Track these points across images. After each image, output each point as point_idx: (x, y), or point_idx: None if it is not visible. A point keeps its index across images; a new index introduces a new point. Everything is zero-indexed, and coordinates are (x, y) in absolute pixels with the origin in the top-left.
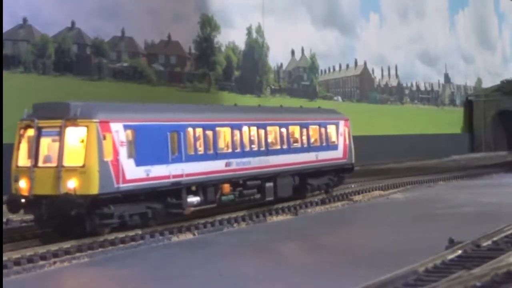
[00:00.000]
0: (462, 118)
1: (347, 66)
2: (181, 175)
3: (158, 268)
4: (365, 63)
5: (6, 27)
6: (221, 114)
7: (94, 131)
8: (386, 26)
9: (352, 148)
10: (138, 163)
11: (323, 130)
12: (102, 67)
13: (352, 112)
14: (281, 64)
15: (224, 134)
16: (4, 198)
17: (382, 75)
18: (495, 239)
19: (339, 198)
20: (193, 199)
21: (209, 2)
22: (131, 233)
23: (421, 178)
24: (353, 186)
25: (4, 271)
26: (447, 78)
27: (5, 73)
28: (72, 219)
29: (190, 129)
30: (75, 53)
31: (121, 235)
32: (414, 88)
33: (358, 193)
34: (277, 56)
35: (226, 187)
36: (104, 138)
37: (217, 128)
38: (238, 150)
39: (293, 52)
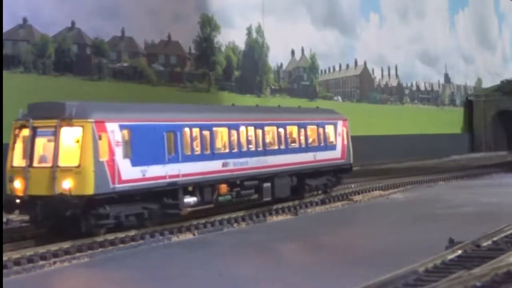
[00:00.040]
0: (462, 118)
1: (347, 66)
2: (178, 175)
3: (158, 268)
4: (365, 63)
5: (6, 27)
6: (218, 114)
7: (90, 131)
8: (386, 26)
9: (350, 148)
10: (134, 163)
11: (321, 130)
12: (102, 67)
13: (352, 112)
14: (281, 64)
15: (221, 134)
16: None
17: (382, 75)
18: (495, 239)
19: (339, 198)
20: (189, 200)
21: (209, 2)
22: (131, 233)
23: (421, 178)
24: (353, 186)
25: (4, 271)
26: (447, 78)
27: (5, 73)
28: (67, 220)
29: (186, 129)
30: (75, 53)
31: (121, 235)
32: (414, 88)
33: (358, 193)
34: (277, 56)
35: (223, 188)
36: (100, 138)
37: (214, 128)
38: (236, 150)
39: (293, 52)
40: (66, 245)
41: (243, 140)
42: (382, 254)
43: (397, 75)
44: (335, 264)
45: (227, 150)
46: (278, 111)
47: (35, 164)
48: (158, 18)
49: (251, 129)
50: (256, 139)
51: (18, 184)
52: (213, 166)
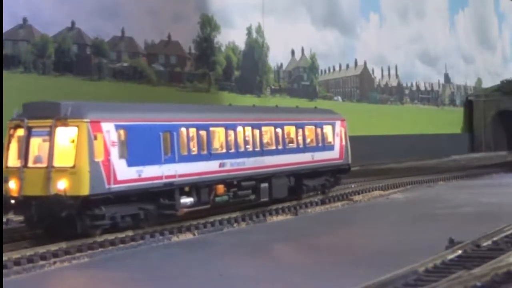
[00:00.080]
0: (462, 118)
1: (347, 66)
2: (174, 176)
3: (158, 268)
4: (365, 63)
5: (6, 27)
6: (215, 114)
7: (85, 131)
8: (386, 26)
9: (348, 149)
10: (130, 163)
11: (319, 130)
12: (102, 67)
13: (352, 112)
14: (281, 64)
15: (218, 134)
16: None
17: (382, 75)
18: (495, 239)
19: (339, 198)
20: (186, 200)
21: (209, 2)
22: (131, 233)
23: (421, 178)
24: (353, 186)
25: (4, 271)
26: (447, 78)
27: (5, 73)
28: (63, 220)
29: (183, 129)
30: (75, 53)
31: (121, 235)
32: (414, 88)
33: (358, 193)
34: (277, 56)
35: (220, 188)
36: (95, 138)
37: (211, 128)
38: (233, 150)
39: (293, 52)
40: (66, 245)
41: (240, 140)
42: (382, 254)
43: (397, 75)
44: (335, 264)
45: (224, 151)
46: (276, 111)
47: (30, 164)
48: (158, 18)
49: (248, 129)
50: (253, 139)
51: (12, 185)
52: (210, 166)
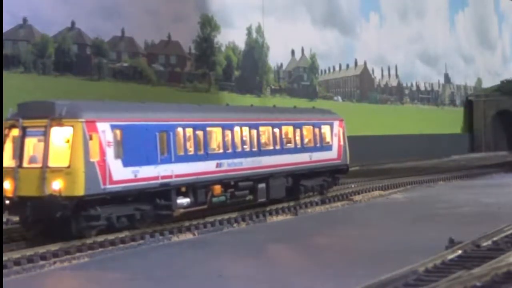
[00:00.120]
0: (462, 118)
1: (347, 66)
2: (171, 176)
3: (158, 268)
4: (365, 63)
5: (6, 27)
6: (212, 114)
7: (80, 131)
8: (386, 26)
9: (347, 149)
10: (126, 163)
11: (317, 130)
12: (102, 67)
13: (352, 112)
14: (281, 64)
15: (215, 134)
16: None
17: (382, 75)
18: (495, 239)
19: (339, 198)
20: (182, 201)
21: (209, 2)
22: (131, 233)
23: (421, 178)
24: (353, 186)
25: (4, 271)
26: (447, 78)
27: (5, 73)
28: (58, 221)
29: (180, 129)
30: (75, 53)
31: (121, 235)
32: (414, 88)
33: (358, 193)
34: (277, 56)
35: (217, 188)
36: (91, 138)
37: (208, 128)
38: (230, 150)
39: (293, 52)
40: (66, 245)
41: (237, 140)
42: (382, 254)
43: (397, 75)
44: (335, 264)
45: (221, 151)
46: (273, 111)
47: (25, 164)
48: (158, 18)
49: (245, 129)
50: (250, 139)
51: (7, 185)
52: (207, 166)
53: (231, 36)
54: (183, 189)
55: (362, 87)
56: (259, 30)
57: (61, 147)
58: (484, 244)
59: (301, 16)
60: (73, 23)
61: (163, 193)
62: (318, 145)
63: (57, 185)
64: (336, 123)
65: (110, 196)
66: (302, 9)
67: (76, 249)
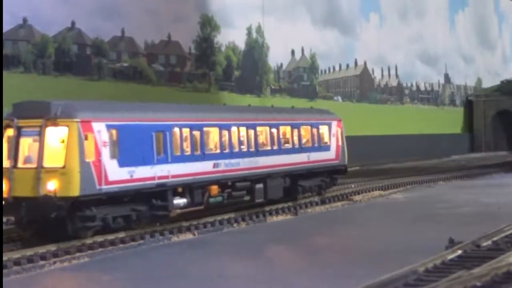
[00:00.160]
0: (462, 118)
1: (347, 66)
2: (167, 177)
3: (158, 268)
4: (365, 63)
5: (6, 27)
6: (209, 114)
7: (75, 131)
8: (386, 26)
9: (345, 149)
10: (122, 164)
11: (315, 130)
12: (102, 67)
13: (352, 112)
14: (281, 64)
15: (212, 134)
16: None
17: (382, 75)
18: (495, 239)
19: (339, 198)
20: (179, 201)
21: (209, 2)
22: (131, 233)
23: (421, 178)
24: (353, 186)
25: (4, 271)
26: (447, 78)
27: (5, 73)
28: (53, 222)
29: (176, 129)
30: (75, 53)
31: (121, 235)
32: (414, 88)
33: (358, 193)
34: (277, 56)
35: (214, 189)
36: (86, 138)
37: (205, 128)
38: (227, 150)
39: (293, 52)
40: (66, 245)
41: (234, 140)
42: (382, 254)
43: (397, 75)
44: (335, 264)
45: (218, 151)
46: (271, 111)
47: (20, 164)
48: (158, 18)
49: (243, 129)
50: (248, 140)
51: (2, 186)
52: (204, 167)
53: (231, 36)
54: (180, 189)
55: (362, 87)
56: (259, 30)
57: (56, 147)
58: (484, 244)
59: (301, 16)
60: (73, 23)
61: (160, 193)
62: (316, 145)
63: (52, 185)
64: (334, 123)
65: (106, 197)
66: (302, 9)
67: (76, 249)
